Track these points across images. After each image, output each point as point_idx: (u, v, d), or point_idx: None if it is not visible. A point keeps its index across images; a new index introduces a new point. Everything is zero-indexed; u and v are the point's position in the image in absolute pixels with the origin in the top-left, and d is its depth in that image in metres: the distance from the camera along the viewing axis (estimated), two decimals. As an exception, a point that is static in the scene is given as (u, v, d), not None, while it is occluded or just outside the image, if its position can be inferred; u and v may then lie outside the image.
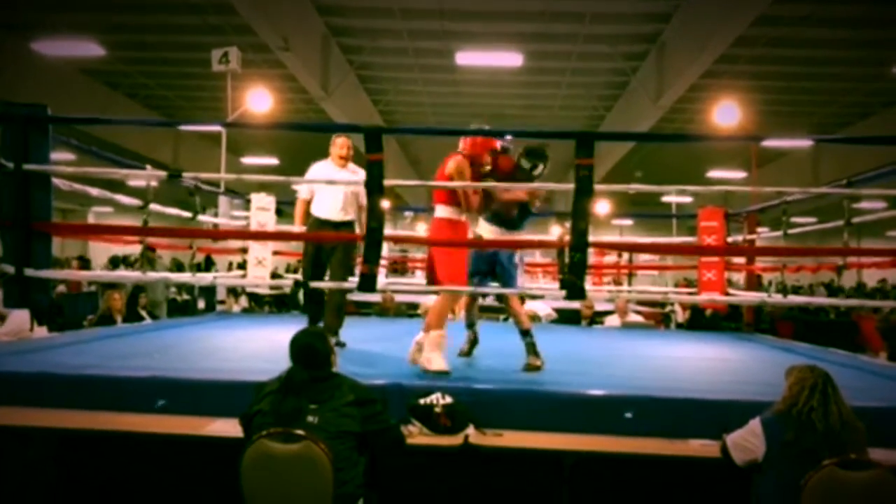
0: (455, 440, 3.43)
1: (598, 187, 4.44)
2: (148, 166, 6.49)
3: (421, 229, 24.35)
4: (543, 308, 10.15)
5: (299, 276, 7.77)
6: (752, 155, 12.39)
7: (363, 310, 10.75)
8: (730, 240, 7.70)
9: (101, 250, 21.80)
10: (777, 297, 6.55)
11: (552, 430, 3.61)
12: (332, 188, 5.45)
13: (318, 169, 5.65)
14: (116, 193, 6.20)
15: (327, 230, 5.46)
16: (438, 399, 3.54)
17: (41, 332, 6.45)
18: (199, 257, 8.40)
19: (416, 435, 3.45)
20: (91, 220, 27.76)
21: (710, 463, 3.24)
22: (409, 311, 10.54)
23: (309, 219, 5.57)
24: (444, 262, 4.48)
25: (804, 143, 19.55)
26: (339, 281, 5.25)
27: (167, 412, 3.67)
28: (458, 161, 4.57)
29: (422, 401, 3.55)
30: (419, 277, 15.15)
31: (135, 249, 12.79)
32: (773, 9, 10.80)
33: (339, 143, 5.68)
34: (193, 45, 14.00)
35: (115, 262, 18.09)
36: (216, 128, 14.66)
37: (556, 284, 8.49)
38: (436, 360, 4.15)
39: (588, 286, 5.73)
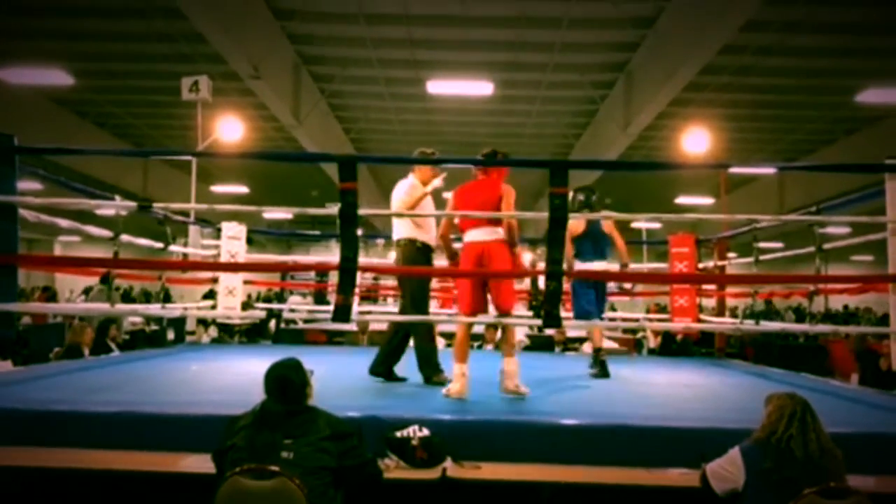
0: (432, 474, 3.38)
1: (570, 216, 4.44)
2: (118, 196, 6.40)
3: (392, 257, 24.28)
4: (517, 335, 10.13)
5: (271, 306, 7.72)
6: (721, 181, 12.55)
7: (335, 339, 10.67)
8: (701, 266, 7.77)
9: (67, 281, 21.47)
10: (749, 324, 6.58)
11: (530, 461, 3.57)
12: (429, 211, 5.29)
13: (416, 190, 5.26)
14: (85, 223, 6.12)
15: (430, 257, 5.33)
16: (415, 432, 3.49)
17: (6, 365, 6.29)
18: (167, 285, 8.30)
19: (393, 469, 3.39)
20: (57, 249, 27.42)
21: (690, 492, 3.22)
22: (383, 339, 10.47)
23: (414, 246, 5.24)
24: (509, 288, 4.71)
25: (771, 169, 19.88)
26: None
27: (138, 448, 3.57)
28: (509, 187, 4.72)
29: (398, 434, 3.50)
30: (391, 305, 15.10)
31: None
32: (739, 38, 11.04)
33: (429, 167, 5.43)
34: (163, 74, 13.93)
35: (88, 293, 17.80)
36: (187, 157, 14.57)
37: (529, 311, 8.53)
38: (522, 385, 4.50)
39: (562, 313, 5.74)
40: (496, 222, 4.66)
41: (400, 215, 5.07)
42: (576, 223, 5.74)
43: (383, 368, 5.24)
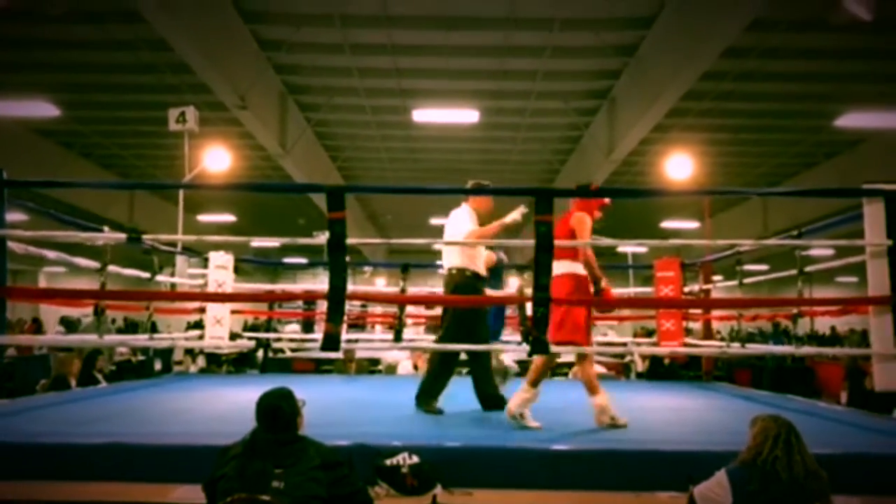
0: (423, 501, 3.39)
1: (557, 242, 4.48)
2: (106, 228, 6.41)
3: (380, 284, 24.29)
4: (506, 361, 10.15)
5: (259, 335, 7.72)
6: (705, 206, 12.68)
7: (324, 367, 10.66)
8: (686, 289, 7.84)
9: (52, 312, 21.31)
10: (736, 347, 6.64)
11: (521, 488, 3.59)
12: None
13: (468, 217, 5.40)
14: (72, 253, 6.12)
15: (481, 286, 5.42)
16: (405, 459, 3.51)
17: (-8, 398, 6.26)
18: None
19: (384, 497, 3.40)
20: (42, 280, 27.25)
21: (679, 515, 3.25)
22: (371, 367, 10.48)
23: (464, 275, 5.34)
24: (572, 318, 4.62)
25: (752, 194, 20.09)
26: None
27: (128, 480, 3.57)
28: (580, 217, 4.75)
29: (388, 461, 3.51)
30: (379, 333, 15.08)
31: (89, 310, 12.52)
32: (720, 64, 11.20)
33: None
34: (149, 105, 14.00)
35: (67, 324, 17.68)
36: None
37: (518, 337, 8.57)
38: (618, 417, 4.50)
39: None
40: (570, 256, 4.68)
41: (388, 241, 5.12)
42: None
43: (426, 396, 5.24)
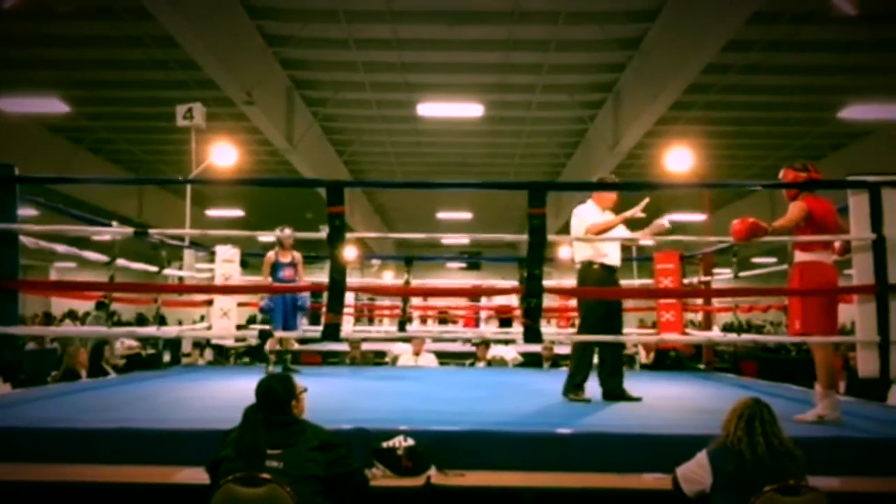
0: (417, 481, 3.52)
1: (557, 237, 4.60)
2: (114, 222, 6.57)
3: (388, 277, 24.42)
4: (510, 352, 10.31)
5: (265, 327, 7.88)
6: (706, 200, 12.75)
7: (330, 359, 10.81)
8: (686, 281, 7.94)
9: (62, 306, 21.59)
10: (721, 336, 6.75)
11: (512, 469, 3.71)
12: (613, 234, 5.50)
13: (592, 213, 5.56)
14: (82, 249, 6.27)
15: (613, 278, 5.55)
16: (401, 442, 3.64)
17: (5, 388, 6.42)
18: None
19: (380, 477, 3.53)
20: (53, 275, 27.56)
21: (663, 495, 3.35)
22: (377, 359, 10.62)
23: (592, 267, 5.48)
24: (816, 308, 4.39)
25: (758, 186, 20.08)
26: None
27: (135, 462, 3.71)
28: (796, 203, 4.65)
29: (384, 444, 3.65)
30: (387, 325, 15.24)
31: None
32: (723, 57, 11.24)
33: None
34: (157, 100, 14.14)
35: (71, 317, 17.99)
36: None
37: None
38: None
39: (554, 329, 5.99)
40: (802, 246, 4.57)
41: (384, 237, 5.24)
42: None
43: (570, 386, 5.41)
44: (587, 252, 5.47)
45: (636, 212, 5.49)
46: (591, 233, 5.34)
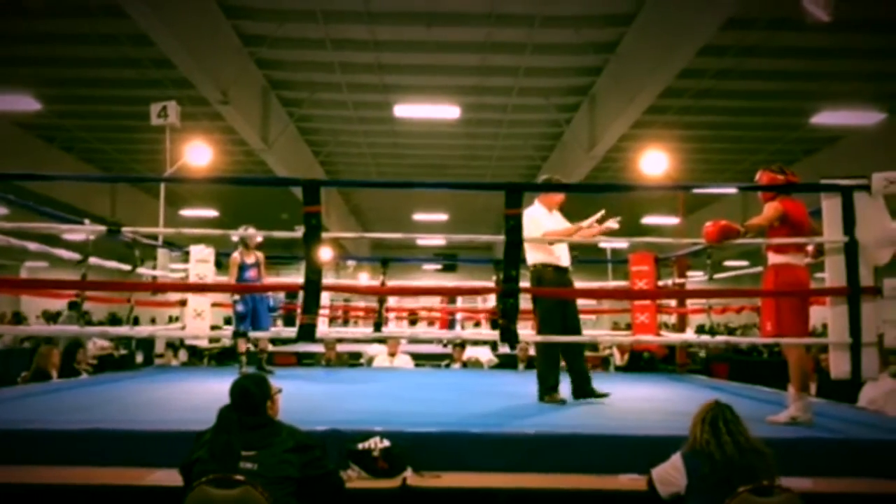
0: (393, 483, 3.51)
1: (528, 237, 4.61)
2: (87, 220, 6.48)
3: (363, 279, 24.35)
4: (486, 354, 10.33)
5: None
6: (680, 203, 12.85)
7: (305, 361, 10.76)
8: (660, 283, 7.99)
9: (33, 306, 21.29)
10: (695, 337, 6.81)
11: (489, 470, 3.71)
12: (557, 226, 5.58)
13: (542, 215, 5.64)
14: (54, 247, 6.18)
15: (566, 279, 5.58)
16: (376, 443, 3.63)
17: (-28, 389, 6.32)
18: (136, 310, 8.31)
19: (355, 479, 3.51)
20: (24, 274, 27.15)
21: (638, 496, 3.37)
22: (352, 360, 10.59)
23: (547, 269, 5.52)
24: (789, 310, 4.44)
25: (733, 189, 20.28)
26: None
27: (107, 464, 3.66)
28: (770, 204, 4.69)
29: (360, 445, 3.63)
30: (362, 327, 15.20)
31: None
32: (698, 62, 11.35)
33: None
34: (131, 99, 13.99)
35: (48, 317, 17.74)
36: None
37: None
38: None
39: (529, 332, 6.04)
40: (776, 249, 4.61)
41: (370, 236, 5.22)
42: None
43: (544, 389, 5.43)
44: (540, 255, 5.53)
45: (592, 222, 5.63)
46: (542, 236, 5.44)
